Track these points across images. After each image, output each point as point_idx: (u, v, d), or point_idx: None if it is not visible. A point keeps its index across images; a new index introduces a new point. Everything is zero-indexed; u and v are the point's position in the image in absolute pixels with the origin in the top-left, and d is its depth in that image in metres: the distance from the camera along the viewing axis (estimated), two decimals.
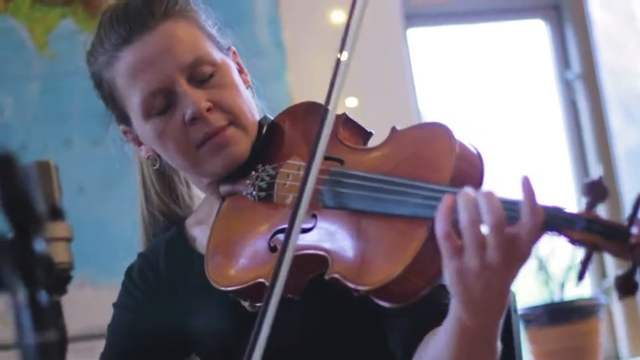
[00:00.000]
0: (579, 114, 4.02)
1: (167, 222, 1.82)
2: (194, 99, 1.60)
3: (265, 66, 3.42)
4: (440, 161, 1.40)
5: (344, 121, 1.62)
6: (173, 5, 1.65)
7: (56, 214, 1.03)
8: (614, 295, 3.83)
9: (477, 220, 1.25)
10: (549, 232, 1.24)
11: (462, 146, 1.42)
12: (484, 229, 1.25)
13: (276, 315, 1.36)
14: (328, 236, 1.47)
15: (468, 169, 1.40)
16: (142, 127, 1.66)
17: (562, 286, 3.62)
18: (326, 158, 1.50)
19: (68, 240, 1.07)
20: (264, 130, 1.67)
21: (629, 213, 1.22)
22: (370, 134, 1.62)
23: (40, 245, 0.85)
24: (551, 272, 3.63)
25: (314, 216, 1.49)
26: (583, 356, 3.53)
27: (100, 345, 1.78)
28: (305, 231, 1.48)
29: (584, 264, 1.22)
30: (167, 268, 1.76)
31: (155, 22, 1.63)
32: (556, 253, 3.66)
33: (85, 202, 3.32)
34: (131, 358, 1.75)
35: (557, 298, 3.61)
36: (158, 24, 1.63)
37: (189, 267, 1.69)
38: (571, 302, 3.57)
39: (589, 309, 3.55)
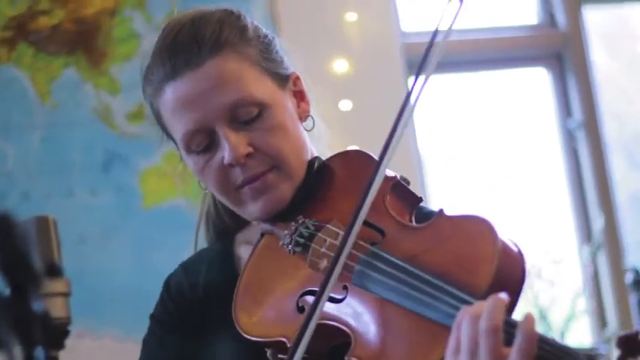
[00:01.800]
0: (580, 162, 4.03)
1: (225, 227, 1.76)
2: (233, 144, 1.53)
3: None
4: (479, 267, 1.34)
5: (394, 185, 1.53)
6: (224, 39, 1.56)
7: (54, 270, 1.03)
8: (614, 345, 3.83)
9: (474, 322, 1.24)
10: None
11: (506, 250, 1.35)
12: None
13: None
14: (355, 314, 1.42)
15: (507, 279, 1.34)
16: (185, 158, 1.61)
17: (562, 335, 3.60)
18: (368, 225, 1.46)
19: (66, 295, 1.06)
20: (313, 172, 1.60)
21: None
22: (420, 200, 1.54)
23: (37, 304, 0.84)
24: (551, 321, 3.62)
25: (345, 288, 1.44)
26: None
27: None
28: (334, 301, 1.44)
29: None
30: (206, 289, 1.70)
31: (201, 58, 1.54)
32: (556, 302, 3.65)
33: (85, 252, 3.32)
34: None
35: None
36: (205, 60, 1.54)
37: (228, 288, 1.61)
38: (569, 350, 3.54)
39: (588, 359, 3.52)
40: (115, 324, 3.31)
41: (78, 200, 3.34)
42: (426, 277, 1.35)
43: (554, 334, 3.62)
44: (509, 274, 1.33)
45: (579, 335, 3.80)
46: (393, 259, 1.40)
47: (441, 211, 1.44)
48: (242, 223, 1.72)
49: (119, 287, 3.33)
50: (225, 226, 1.75)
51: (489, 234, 1.35)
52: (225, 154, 1.54)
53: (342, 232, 1.48)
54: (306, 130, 1.63)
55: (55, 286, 1.06)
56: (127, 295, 3.32)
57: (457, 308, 1.29)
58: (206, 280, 1.70)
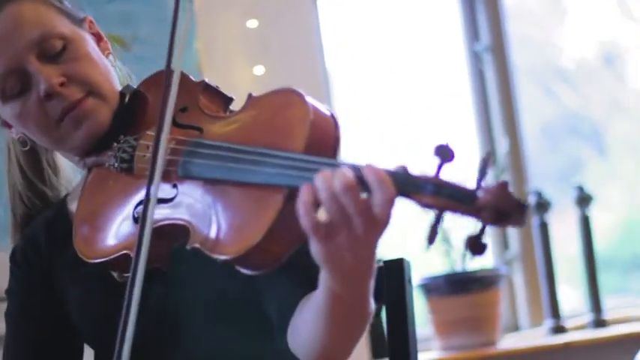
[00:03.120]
0: (487, 86, 4.04)
1: (39, 203, 1.82)
2: (45, 75, 1.61)
3: None
4: (293, 129, 1.42)
5: (203, 88, 1.63)
6: None
7: None
8: (516, 266, 3.90)
9: (334, 198, 1.28)
10: (399, 197, 1.27)
11: (316, 112, 1.43)
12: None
13: (150, 285, 1.41)
14: (189, 206, 1.48)
15: (322, 136, 1.42)
16: (2, 110, 1.67)
17: (464, 256, 3.64)
18: (185, 127, 1.54)
19: None
20: (126, 99, 1.67)
21: (476, 175, 1.26)
22: (231, 99, 1.64)
23: None
24: (452, 243, 3.65)
25: (175, 186, 1.50)
26: (482, 326, 3.57)
27: None
28: (166, 201, 1.50)
29: (434, 227, 1.26)
30: (47, 244, 1.77)
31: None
32: (459, 224, 3.67)
33: None
34: (32, 341, 1.77)
35: (458, 269, 3.64)
36: (3, 7, 1.64)
37: (67, 240, 1.68)
38: (472, 273, 3.61)
39: (489, 280, 3.59)
40: None
41: None
42: (245, 148, 1.42)
43: (456, 257, 3.66)
44: (324, 134, 1.41)
45: (481, 257, 3.83)
46: (212, 142, 1.48)
47: (250, 94, 1.52)
48: (54, 189, 1.82)
49: None
50: (38, 192, 1.82)
51: (298, 99, 1.44)
52: (40, 86, 1.61)
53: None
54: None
55: None
56: None
57: (278, 166, 1.36)
58: (47, 239, 1.77)
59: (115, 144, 1.62)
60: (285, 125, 1.44)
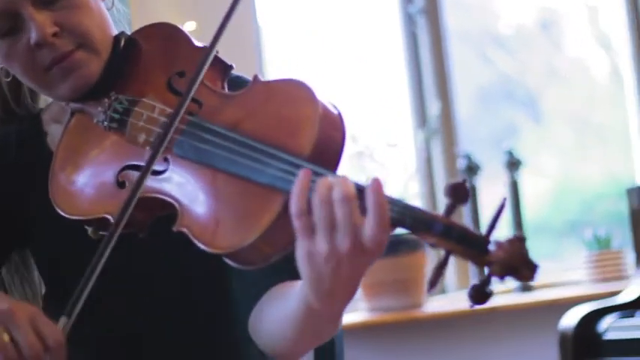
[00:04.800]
0: (419, 48, 4.03)
1: (6, 118, 1.75)
2: (38, 23, 1.53)
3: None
4: (301, 128, 1.35)
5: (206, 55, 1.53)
6: None
7: None
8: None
9: (329, 203, 1.23)
10: (408, 230, 1.24)
11: (326, 112, 1.36)
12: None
13: (122, 247, 1.39)
14: (179, 185, 1.42)
15: (330, 138, 1.36)
16: None
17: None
18: (180, 95, 1.47)
19: None
20: (120, 47, 1.60)
21: (490, 222, 1.23)
22: (231, 67, 1.55)
23: None
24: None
25: (166, 160, 1.44)
26: (409, 287, 3.57)
27: None
28: (156, 173, 1.44)
29: (439, 270, 1.23)
30: (17, 155, 1.71)
31: None
32: (389, 185, 3.68)
33: None
34: None
35: None
36: None
37: (41, 162, 1.63)
38: (399, 235, 3.59)
39: (416, 242, 3.59)
40: None
41: None
42: (249, 142, 1.36)
43: None
44: (332, 136, 1.35)
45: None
46: (213, 127, 1.41)
47: (256, 76, 1.45)
48: (28, 109, 1.75)
49: None
50: (9, 110, 1.75)
51: (308, 95, 1.36)
52: (32, 34, 1.54)
53: (160, 105, 1.49)
54: (107, 8, 1.64)
55: None
56: None
57: (282, 170, 1.30)
58: (17, 160, 1.71)
59: (106, 100, 1.55)
60: (292, 121, 1.36)
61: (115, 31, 1.63)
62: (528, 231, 3.87)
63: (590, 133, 4.36)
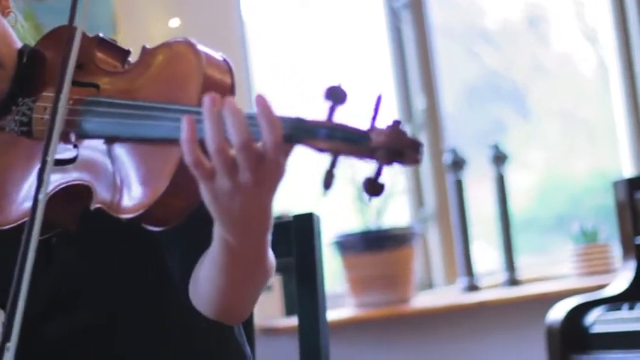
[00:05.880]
0: (404, 42, 4.03)
1: None
2: None
3: None
4: (187, 79, 1.41)
5: (98, 43, 1.59)
6: None
7: None
8: (432, 224, 3.91)
9: (223, 143, 1.26)
10: (295, 145, 1.26)
11: (209, 59, 1.42)
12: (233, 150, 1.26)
13: (59, 249, 1.44)
14: (90, 166, 1.46)
15: (217, 83, 1.41)
16: None
17: (379, 214, 3.64)
18: (81, 85, 1.50)
19: None
20: (24, 60, 1.63)
21: (370, 116, 1.24)
22: (128, 52, 1.61)
23: None
24: (368, 200, 3.64)
25: (75, 147, 1.48)
26: (396, 283, 3.58)
27: None
28: (67, 162, 1.47)
29: (330, 172, 1.23)
30: None
31: None
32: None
33: None
34: None
35: (374, 226, 3.64)
36: None
37: None
38: (386, 230, 3.61)
39: (403, 237, 3.59)
40: None
41: None
42: (141, 103, 1.41)
43: (372, 213, 3.65)
44: (218, 82, 1.41)
45: (397, 214, 3.84)
46: (109, 100, 1.46)
47: (144, 47, 1.51)
48: None
49: None
50: None
51: (189, 49, 1.43)
52: None
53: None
54: (11, 25, 1.68)
55: None
56: None
57: (174, 119, 1.33)
58: None
59: (14, 107, 1.57)
60: (179, 76, 1.43)
61: (19, 45, 1.66)
62: (516, 226, 3.87)
63: (577, 127, 4.36)
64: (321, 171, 1.23)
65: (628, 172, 4.12)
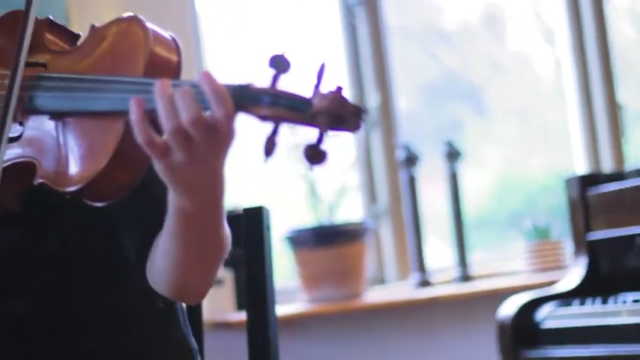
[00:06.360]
0: (358, 40, 4.03)
1: None
2: None
3: None
4: (133, 53, 1.43)
5: (48, 25, 1.61)
6: None
7: None
8: (385, 220, 3.91)
9: (177, 123, 1.27)
10: (238, 112, 1.27)
11: (156, 36, 1.44)
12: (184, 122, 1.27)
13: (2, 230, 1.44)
14: (35, 142, 1.46)
15: (162, 60, 1.43)
16: None
17: (331, 210, 3.65)
18: (29, 65, 1.51)
19: None
20: None
21: (313, 83, 1.26)
22: (78, 36, 1.62)
23: None
24: (320, 196, 3.65)
25: (21, 124, 1.49)
26: (348, 278, 3.58)
27: None
28: (13, 140, 1.47)
29: (271, 139, 1.24)
30: None
31: None
32: (327, 176, 3.68)
33: None
34: None
35: (326, 222, 3.64)
36: None
37: None
38: (338, 226, 3.61)
39: (355, 233, 3.60)
40: None
41: None
42: (85, 77, 1.42)
43: (325, 208, 3.66)
44: (164, 58, 1.43)
45: (350, 210, 3.85)
46: (55, 75, 1.47)
47: (93, 25, 1.54)
48: None
49: None
50: None
51: (137, 25, 1.45)
52: None
53: (7, 72, 1.51)
54: None
55: None
56: None
57: (118, 91, 1.35)
58: None
59: None
60: (125, 51, 1.45)
61: None
62: (472, 223, 3.89)
63: (533, 126, 4.39)
64: (261, 139, 1.25)
65: (581, 170, 4.15)
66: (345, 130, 1.23)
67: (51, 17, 1.63)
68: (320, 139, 1.23)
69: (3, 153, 1.40)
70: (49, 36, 1.60)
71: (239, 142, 1.33)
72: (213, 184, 1.36)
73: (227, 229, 1.49)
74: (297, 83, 1.29)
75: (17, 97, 1.42)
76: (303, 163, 1.25)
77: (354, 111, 1.23)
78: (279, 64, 1.27)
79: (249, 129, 1.33)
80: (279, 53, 1.27)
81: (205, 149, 1.29)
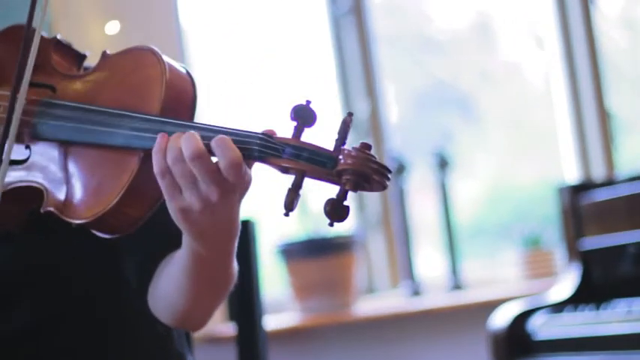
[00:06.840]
0: (346, 50, 4.03)
1: None
2: None
3: None
4: (150, 89, 1.38)
5: (55, 45, 1.57)
6: None
7: None
8: (375, 229, 3.90)
9: (180, 159, 1.25)
10: (258, 162, 1.25)
11: (172, 71, 1.40)
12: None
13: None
14: (43, 168, 1.43)
15: (178, 96, 1.39)
16: None
17: (321, 221, 3.63)
18: (37, 86, 1.47)
19: None
20: None
21: (337, 137, 1.22)
22: (84, 56, 1.58)
23: None
24: (311, 207, 3.65)
25: (27, 147, 1.45)
26: (338, 289, 3.58)
27: None
28: (18, 163, 1.45)
29: (293, 192, 1.22)
30: None
31: None
32: (317, 187, 3.66)
33: None
34: None
35: (316, 233, 3.64)
36: None
37: None
38: (329, 238, 3.61)
39: (345, 244, 3.60)
40: None
41: None
42: (100, 109, 1.38)
43: (315, 220, 3.65)
44: (181, 93, 1.39)
45: (343, 223, 3.82)
46: (66, 102, 1.43)
47: (104, 52, 1.48)
48: None
49: None
50: None
51: (153, 58, 1.40)
52: None
53: (7, 94, 1.47)
54: None
55: None
56: None
57: (135, 128, 1.32)
58: None
59: None
60: (140, 85, 1.41)
61: None
62: (464, 232, 3.87)
63: (523, 135, 4.38)
64: (283, 190, 1.22)
65: (572, 179, 4.14)
66: (369, 190, 1.20)
67: (58, 36, 1.59)
68: (343, 197, 1.20)
69: (4, 175, 1.35)
70: (55, 56, 1.56)
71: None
72: (225, 233, 1.35)
73: (235, 263, 1.48)
74: (319, 132, 1.26)
75: (19, 119, 1.37)
76: (326, 218, 1.22)
77: (380, 170, 1.20)
78: (304, 115, 1.23)
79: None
80: (303, 104, 1.24)
81: (216, 195, 1.27)
